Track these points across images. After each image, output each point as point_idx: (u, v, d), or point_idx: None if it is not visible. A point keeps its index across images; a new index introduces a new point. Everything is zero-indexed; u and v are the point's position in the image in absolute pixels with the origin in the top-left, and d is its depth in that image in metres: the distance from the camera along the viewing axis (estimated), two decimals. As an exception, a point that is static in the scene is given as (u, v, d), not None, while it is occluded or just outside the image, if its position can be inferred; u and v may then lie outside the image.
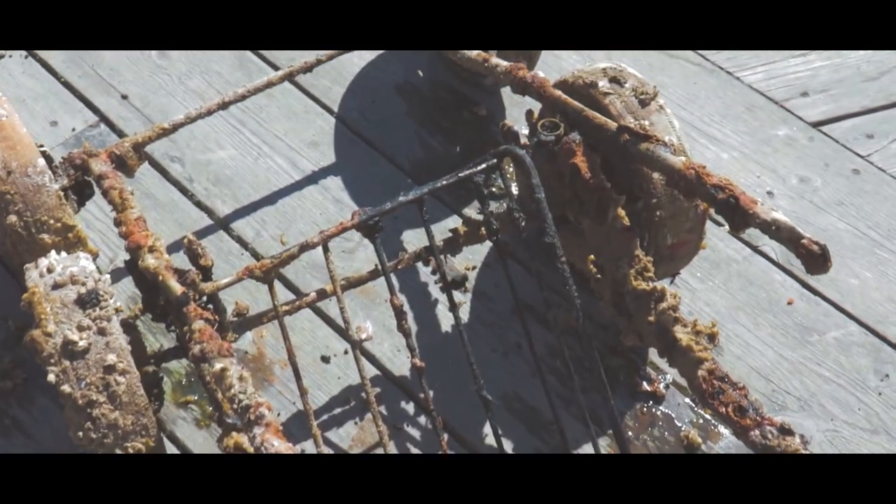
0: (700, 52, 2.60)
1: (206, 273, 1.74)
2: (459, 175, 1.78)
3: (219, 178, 2.34)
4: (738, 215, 1.62)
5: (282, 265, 1.73)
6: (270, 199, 2.31)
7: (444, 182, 1.78)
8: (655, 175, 1.81)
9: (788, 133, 2.47)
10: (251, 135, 2.41)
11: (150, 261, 1.69)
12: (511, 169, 2.20)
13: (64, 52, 2.53)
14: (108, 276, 1.68)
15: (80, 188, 1.94)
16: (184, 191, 2.32)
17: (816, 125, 2.48)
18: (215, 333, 1.58)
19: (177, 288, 1.65)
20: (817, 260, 1.52)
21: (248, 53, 2.56)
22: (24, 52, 2.53)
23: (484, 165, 1.79)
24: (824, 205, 2.34)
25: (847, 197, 2.36)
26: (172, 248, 2.13)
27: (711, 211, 1.83)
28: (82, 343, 1.58)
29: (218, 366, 1.52)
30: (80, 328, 1.59)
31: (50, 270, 1.67)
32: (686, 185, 1.69)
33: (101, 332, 1.60)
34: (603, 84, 1.90)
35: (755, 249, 2.25)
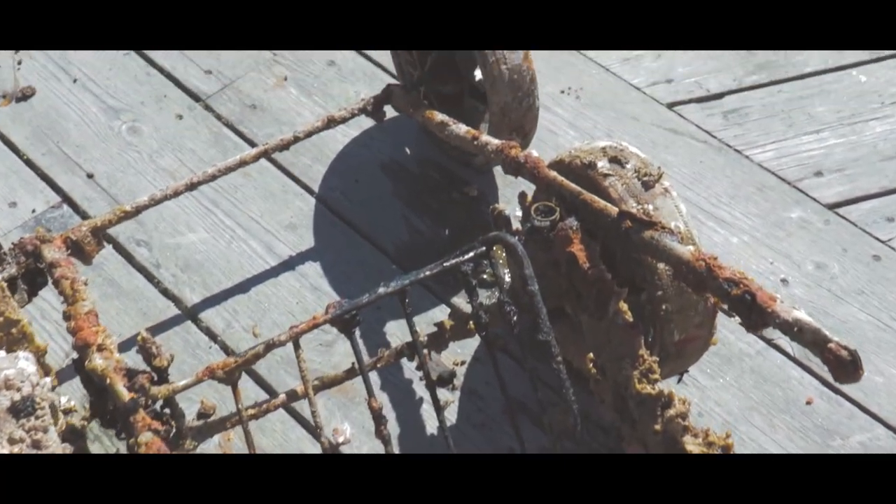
0: (706, 128, 2.45)
1: (162, 374, 1.58)
2: (444, 265, 1.62)
3: (188, 263, 2.17)
4: (755, 314, 1.44)
5: (246, 365, 1.58)
6: (243, 287, 2.14)
7: (428, 272, 1.62)
8: (661, 265, 1.65)
9: (802, 215, 2.30)
10: (224, 216, 2.25)
11: (97, 361, 1.56)
12: (503, 254, 2.03)
13: (27, 127, 2.37)
14: (48, 379, 1.50)
15: (32, 277, 1.82)
16: (150, 277, 2.15)
17: (832, 207, 2.31)
18: (164, 447, 1.41)
19: (124, 394, 1.49)
20: (847, 367, 1.34)
21: (225, 129, 2.40)
22: (-17, 129, 2.38)
23: (472, 254, 1.63)
24: (843, 294, 2.17)
25: (868, 285, 2.18)
26: (133, 342, 1.96)
27: (723, 302, 1.66)
28: (13, 458, 1.39)
29: (164, 486, 1.34)
30: (12, 441, 1.41)
31: (-17, 373, 1.49)
32: (696, 279, 1.52)
33: (36, 444, 1.42)
34: (602, 164, 1.74)
35: (769, 343, 2.07)
